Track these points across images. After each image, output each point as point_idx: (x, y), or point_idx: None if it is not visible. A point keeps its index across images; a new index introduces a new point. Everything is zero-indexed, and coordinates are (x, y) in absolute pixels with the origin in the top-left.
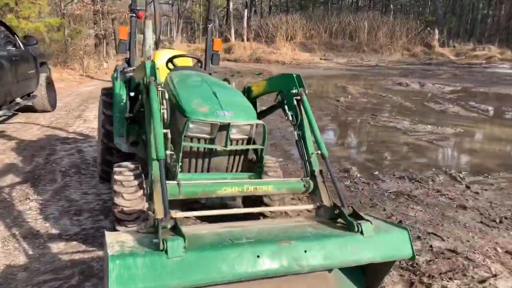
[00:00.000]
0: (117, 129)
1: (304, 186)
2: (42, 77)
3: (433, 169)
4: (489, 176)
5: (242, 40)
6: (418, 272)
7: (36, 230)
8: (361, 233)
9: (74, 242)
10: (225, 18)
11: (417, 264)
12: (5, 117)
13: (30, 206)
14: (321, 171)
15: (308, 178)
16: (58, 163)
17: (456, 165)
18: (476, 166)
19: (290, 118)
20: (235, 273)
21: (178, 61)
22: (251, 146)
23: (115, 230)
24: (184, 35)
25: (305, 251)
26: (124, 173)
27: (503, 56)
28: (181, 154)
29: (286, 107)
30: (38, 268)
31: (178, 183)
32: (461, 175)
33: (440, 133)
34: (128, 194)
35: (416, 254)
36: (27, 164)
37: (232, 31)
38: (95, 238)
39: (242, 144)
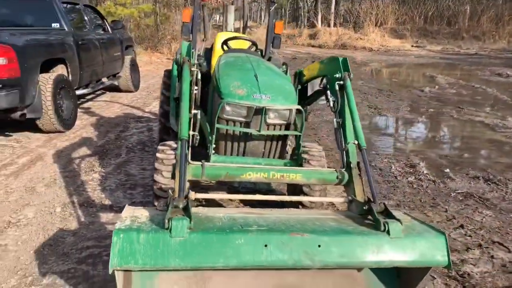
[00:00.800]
0: (173, 110)
1: (338, 177)
2: (127, 59)
3: None
4: None
5: (329, 25)
6: (467, 283)
7: (92, 200)
8: (388, 232)
9: None
10: (313, 4)
11: (469, 274)
12: (90, 94)
13: (93, 177)
14: (358, 163)
15: (343, 169)
16: (126, 139)
17: None
18: None
19: (331, 104)
20: (240, 260)
21: (236, 44)
22: (286, 132)
23: (153, 205)
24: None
25: (319, 246)
26: (165, 152)
27: None
28: (214, 136)
29: (328, 92)
30: (85, 234)
31: (201, 165)
32: None
33: None
34: (167, 172)
35: (471, 264)
36: (100, 139)
37: (319, 17)
38: None
39: (280, 129)
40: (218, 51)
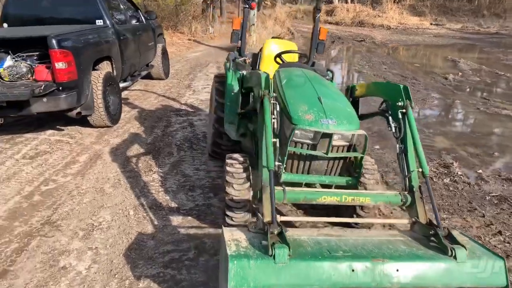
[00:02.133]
0: (228, 116)
1: (402, 200)
2: (159, 48)
3: None
4: None
5: (346, 2)
6: None
7: (159, 202)
8: (455, 257)
9: (190, 217)
10: None
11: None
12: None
13: (153, 178)
14: (420, 187)
15: (406, 192)
16: (173, 136)
17: None
18: None
19: (393, 130)
20: (331, 283)
21: (284, 43)
22: (351, 154)
23: (225, 214)
24: None
25: (397, 270)
26: (235, 165)
27: None
28: (285, 158)
29: (390, 118)
30: (162, 238)
31: (283, 190)
32: None
33: None
34: (238, 185)
35: None
36: (148, 135)
37: None
38: (207, 215)
39: (343, 151)
40: (267, 59)
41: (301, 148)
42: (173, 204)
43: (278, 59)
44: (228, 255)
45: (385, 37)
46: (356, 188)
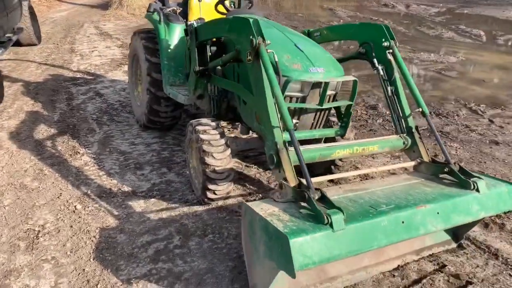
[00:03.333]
0: (168, 77)
1: (404, 143)
2: (25, 6)
3: (453, 103)
4: (506, 109)
5: None
6: None
7: (107, 188)
8: (477, 190)
9: (153, 199)
10: None
11: None
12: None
13: (85, 161)
14: (416, 127)
15: (405, 134)
16: (84, 110)
17: (472, 98)
18: (490, 98)
19: (381, 73)
20: (388, 240)
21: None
22: (344, 103)
23: (205, 188)
24: None
25: (438, 213)
26: (209, 132)
27: None
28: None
29: (375, 60)
30: (133, 229)
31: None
32: (481, 109)
33: (445, 62)
34: (219, 154)
35: None
36: (51, 112)
37: None
38: (171, 193)
39: (329, 100)
40: (197, 8)
41: (290, 102)
42: (126, 188)
43: (220, 8)
44: (282, 233)
45: None
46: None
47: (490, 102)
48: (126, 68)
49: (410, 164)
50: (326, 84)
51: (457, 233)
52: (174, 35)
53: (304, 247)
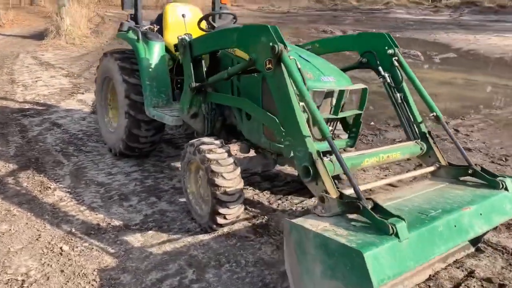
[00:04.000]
0: (150, 99)
1: (421, 149)
2: None
3: None
4: (465, 119)
5: None
6: None
7: (94, 224)
8: (506, 189)
9: (150, 232)
10: None
11: None
12: None
13: (60, 197)
14: (429, 132)
15: (419, 140)
16: (43, 141)
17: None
18: (447, 110)
19: (389, 80)
20: (446, 246)
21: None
22: (353, 112)
23: (214, 213)
24: None
25: (481, 214)
26: (216, 151)
27: (398, 1)
28: None
29: (380, 69)
30: (137, 266)
31: (331, 160)
32: (446, 120)
33: None
34: (228, 173)
35: None
36: (5, 146)
37: None
38: (169, 224)
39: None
40: (173, 26)
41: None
42: (116, 222)
43: (203, 24)
44: (352, 248)
45: None
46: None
47: (448, 113)
48: (80, 97)
49: (430, 169)
50: (342, 92)
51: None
52: (154, 53)
53: (380, 261)
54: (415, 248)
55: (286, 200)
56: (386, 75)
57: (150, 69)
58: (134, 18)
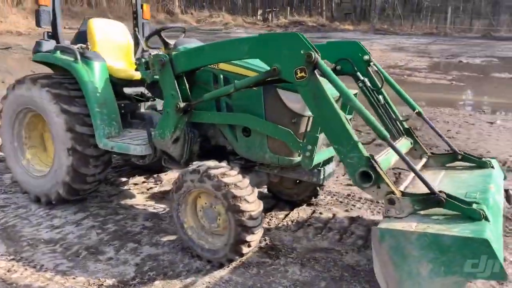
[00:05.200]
0: (102, 128)
1: (411, 143)
2: None
3: None
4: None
5: None
6: None
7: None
8: (492, 167)
9: (157, 282)
10: None
11: None
12: None
13: (6, 268)
14: (411, 128)
15: (405, 136)
16: None
17: None
18: None
19: (368, 84)
20: (500, 221)
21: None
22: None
23: (238, 243)
24: None
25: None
26: (230, 174)
27: (236, 22)
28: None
29: (359, 74)
30: None
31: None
32: None
33: None
34: (250, 196)
35: None
36: None
37: None
38: (171, 267)
39: None
40: (102, 44)
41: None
42: (108, 281)
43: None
44: (475, 238)
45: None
46: None
47: None
48: None
49: (424, 161)
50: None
51: None
52: (98, 76)
53: (495, 244)
54: (497, 229)
55: (272, 216)
56: (366, 80)
57: (98, 94)
58: (54, 36)
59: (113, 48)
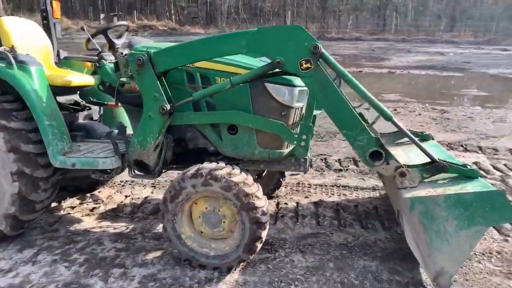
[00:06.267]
0: (55, 144)
1: None
2: None
3: None
4: None
5: None
6: None
7: None
8: (432, 139)
9: None
10: None
11: None
12: None
13: None
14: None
15: None
16: None
17: None
18: None
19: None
20: None
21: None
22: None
23: (254, 241)
24: None
25: None
26: (235, 173)
27: (78, 26)
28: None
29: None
30: None
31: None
32: None
33: None
34: (259, 192)
35: None
36: None
37: None
38: (179, 284)
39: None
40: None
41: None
42: None
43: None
44: (493, 191)
45: None
46: None
47: None
48: None
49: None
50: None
51: None
52: (38, 82)
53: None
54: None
55: None
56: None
57: (44, 105)
58: None
59: (32, 51)
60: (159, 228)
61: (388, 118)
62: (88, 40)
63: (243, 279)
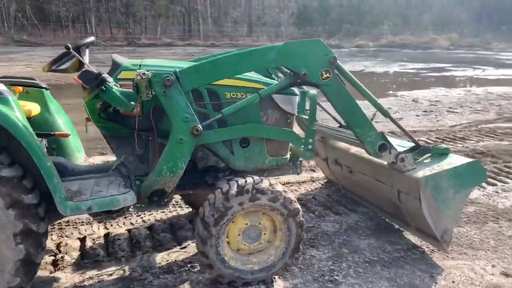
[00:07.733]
0: (60, 189)
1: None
2: None
3: None
4: None
5: None
6: None
7: None
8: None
9: None
10: None
11: None
12: None
13: None
14: None
15: None
16: None
17: None
18: None
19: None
20: None
21: None
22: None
23: (300, 242)
24: None
25: None
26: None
27: None
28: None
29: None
30: None
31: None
32: None
33: None
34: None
35: None
36: None
37: None
38: None
39: None
40: None
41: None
42: None
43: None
44: (475, 161)
45: None
46: None
47: None
48: None
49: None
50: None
51: None
52: (19, 115)
53: None
54: None
55: None
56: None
57: (34, 139)
58: None
59: None
60: (160, 261)
61: (386, 114)
62: (54, 62)
63: (291, 283)
